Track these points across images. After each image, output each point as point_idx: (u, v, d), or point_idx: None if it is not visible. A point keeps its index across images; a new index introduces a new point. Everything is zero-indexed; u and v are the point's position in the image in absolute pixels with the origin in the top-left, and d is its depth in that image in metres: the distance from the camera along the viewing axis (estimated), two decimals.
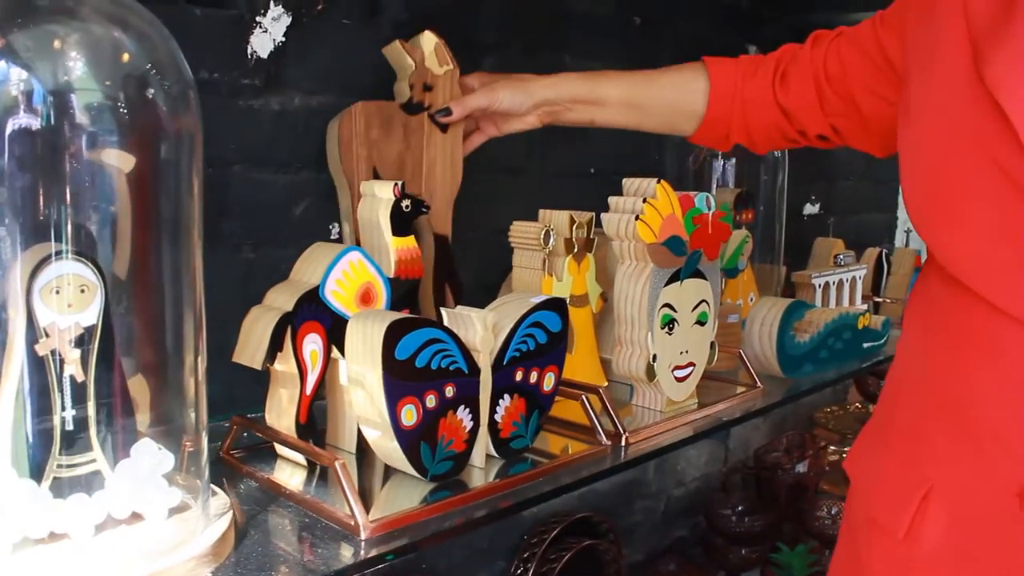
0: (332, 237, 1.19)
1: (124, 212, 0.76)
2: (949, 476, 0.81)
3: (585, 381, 1.17)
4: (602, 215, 1.14)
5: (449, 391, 0.90)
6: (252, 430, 0.97)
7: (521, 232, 1.17)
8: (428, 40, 1.16)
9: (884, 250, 2.00)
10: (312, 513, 0.86)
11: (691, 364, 1.20)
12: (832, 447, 2.22)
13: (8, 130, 0.68)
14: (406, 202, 1.00)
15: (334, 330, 0.93)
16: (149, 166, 0.75)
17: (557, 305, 1.00)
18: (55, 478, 0.73)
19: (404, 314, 0.89)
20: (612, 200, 1.13)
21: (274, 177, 1.13)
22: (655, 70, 1.18)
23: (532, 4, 1.41)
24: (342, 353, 0.91)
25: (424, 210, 1.03)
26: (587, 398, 1.06)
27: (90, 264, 0.72)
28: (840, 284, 1.75)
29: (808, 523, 1.98)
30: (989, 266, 0.76)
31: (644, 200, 1.10)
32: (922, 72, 0.84)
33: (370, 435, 0.90)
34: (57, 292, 0.70)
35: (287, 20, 1.10)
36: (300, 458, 0.96)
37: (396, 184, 0.99)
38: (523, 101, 1.16)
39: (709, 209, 1.18)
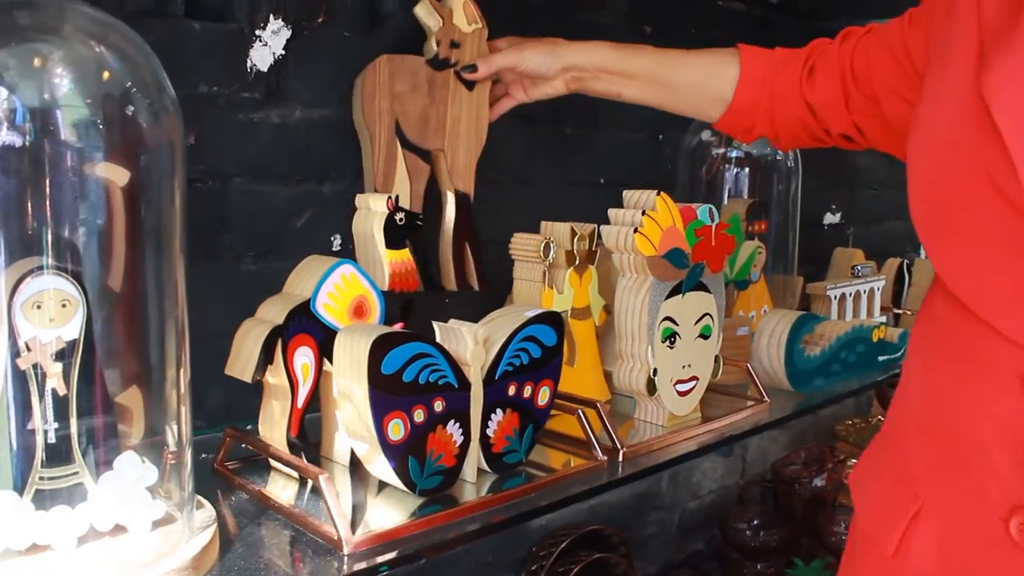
0: (334, 249, 1.19)
1: (109, 226, 0.76)
2: (939, 496, 0.79)
3: (584, 395, 1.16)
4: (601, 227, 1.13)
5: (438, 405, 0.90)
6: (243, 443, 0.97)
7: (521, 244, 1.17)
8: None
9: (905, 260, 1.97)
10: (299, 527, 0.86)
11: (694, 378, 1.18)
12: (852, 460, 2.19)
13: None
14: (400, 215, 1.00)
15: (326, 343, 0.93)
16: (131, 181, 0.76)
17: (552, 319, 0.99)
18: (38, 490, 0.73)
19: (392, 328, 0.88)
20: (612, 212, 1.13)
21: (275, 189, 1.13)
22: (688, 50, 1.17)
23: (539, 15, 1.41)
24: None
25: (419, 223, 1.03)
26: (583, 412, 1.05)
27: (72, 279, 0.72)
28: (857, 295, 1.73)
29: (825, 538, 1.95)
30: (985, 284, 0.75)
31: (643, 212, 1.09)
32: (934, 77, 0.82)
33: (359, 449, 0.90)
34: (38, 307, 0.71)
35: (287, 33, 1.10)
36: (292, 471, 0.96)
37: (390, 197, 0.99)
38: (551, 64, 1.15)
39: (712, 221, 1.17)
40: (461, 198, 1.20)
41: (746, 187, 1.67)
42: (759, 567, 1.93)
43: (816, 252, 2.00)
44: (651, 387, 1.13)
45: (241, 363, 0.91)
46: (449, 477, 0.93)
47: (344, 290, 0.95)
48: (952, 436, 0.79)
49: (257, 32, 1.08)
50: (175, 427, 0.82)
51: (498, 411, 0.96)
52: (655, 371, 1.13)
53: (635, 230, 1.08)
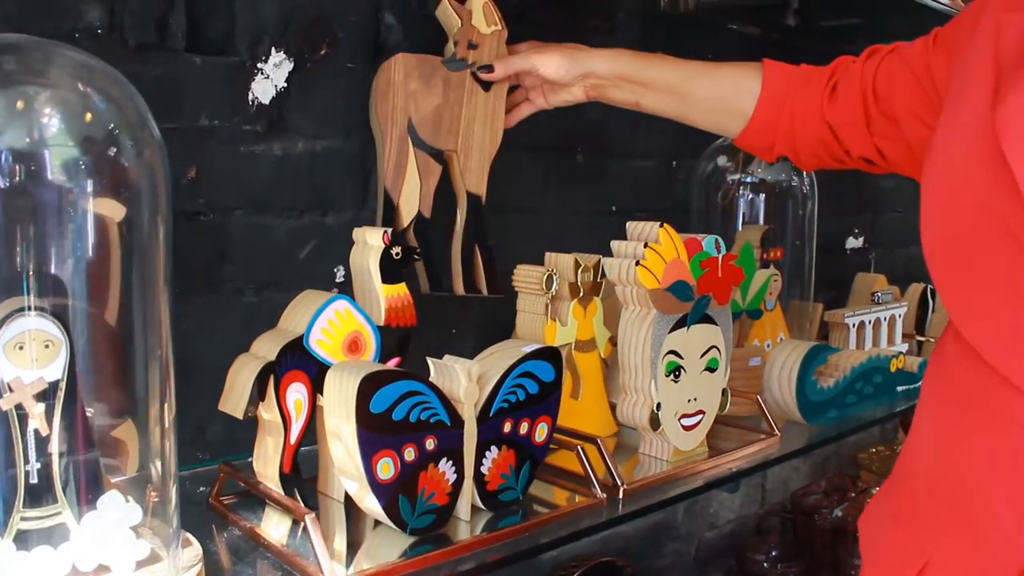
0: (337, 280, 1.19)
1: (92, 264, 0.76)
2: (945, 552, 0.77)
3: (589, 428, 1.15)
4: (604, 260, 1.12)
5: (430, 444, 0.89)
6: (236, 479, 0.97)
7: (524, 276, 1.16)
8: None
9: (929, 286, 1.93)
10: (288, 566, 0.85)
11: (700, 412, 1.16)
12: (875, 489, 2.15)
13: None
14: (396, 249, 0.99)
15: (320, 378, 0.93)
16: (114, 220, 0.76)
17: (550, 354, 0.98)
18: (19, 531, 0.73)
19: (382, 366, 0.88)
20: (615, 244, 1.11)
21: (277, 221, 1.13)
22: (712, 62, 1.14)
23: (549, 38, 1.40)
24: None
25: (416, 257, 1.02)
26: (583, 448, 1.03)
27: (55, 320, 0.72)
28: (877, 323, 1.70)
29: (845, 571, 1.91)
30: (993, 329, 0.72)
31: (646, 244, 1.07)
32: (951, 105, 0.79)
33: (349, 488, 0.89)
34: (21, 348, 0.71)
35: (289, 66, 1.10)
36: (287, 499, 0.95)
37: (386, 231, 0.98)
38: (569, 69, 1.13)
39: (719, 252, 1.15)
40: (473, 200, 1.19)
41: (762, 213, 1.65)
42: None
43: (838, 277, 1.97)
44: (654, 422, 1.11)
45: (233, 399, 0.91)
46: (442, 516, 0.91)
47: (338, 326, 0.94)
48: (959, 489, 0.76)
49: (259, 65, 1.08)
50: (159, 464, 0.81)
51: (493, 448, 0.95)
52: (658, 405, 1.11)
53: (637, 263, 1.06)
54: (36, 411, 0.72)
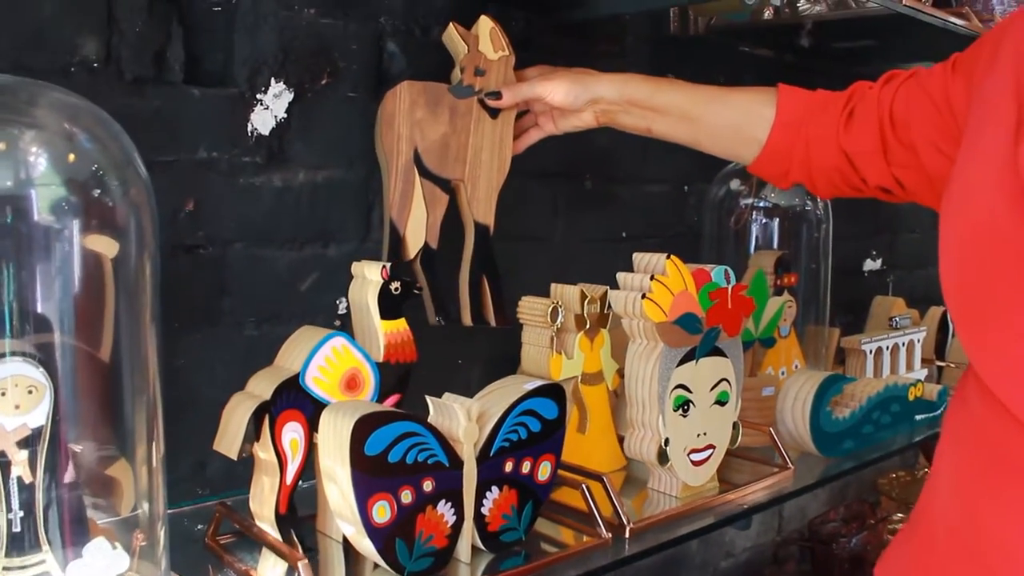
0: (340, 312, 1.17)
1: (81, 303, 0.75)
2: None
3: (596, 463, 1.13)
4: (610, 292, 1.09)
5: (427, 486, 0.86)
6: (230, 520, 0.95)
7: (529, 308, 1.14)
8: (484, 24, 1.14)
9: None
10: None
11: (710, 447, 1.14)
12: (897, 516, 2.11)
13: None
14: (395, 284, 0.97)
15: (317, 417, 0.90)
16: (100, 261, 0.74)
17: (552, 391, 0.96)
18: None
19: (378, 406, 0.86)
20: (620, 276, 1.09)
21: (277, 254, 1.11)
22: (725, 87, 1.12)
23: (557, 62, 1.38)
24: None
25: (416, 292, 1.00)
26: (587, 487, 1.01)
27: (38, 364, 0.71)
28: (895, 349, 1.66)
29: None
30: (1014, 372, 0.69)
31: (652, 277, 1.05)
32: (971, 139, 0.76)
33: (346, 530, 0.87)
34: (3, 394, 0.69)
35: (289, 96, 1.09)
36: (283, 543, 0.93)
37: (384, 266, 0.96)
38: (579, 95, 1.10)
39: (728, 283, 1.12)
40: (480, 230, 1.16)
41: (776, 237, 1.62)
42: None
43: (855, 301, 1.94)
44: (663, 457, 1.08)
45: (228, 440, 0.89)
46: (441, 558, 0.89)
47: (336, 363, 0.92)
48: (980, 541, 0.73)
49: (258, 96, 1.07)
50: (146, 506, 0.80)
51: (494, 488, 0.92)
52: (667, 441, 1.08)
53: (643, 296, 1.04)
54: (19, 458, 0.71)
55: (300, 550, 0.89)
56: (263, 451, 0.91)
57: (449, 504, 0.89)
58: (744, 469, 1.24)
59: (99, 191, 0.72)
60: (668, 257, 1.06)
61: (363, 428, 0.81)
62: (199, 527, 1.01)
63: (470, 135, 1.15)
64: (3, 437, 0.70)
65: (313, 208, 1.13)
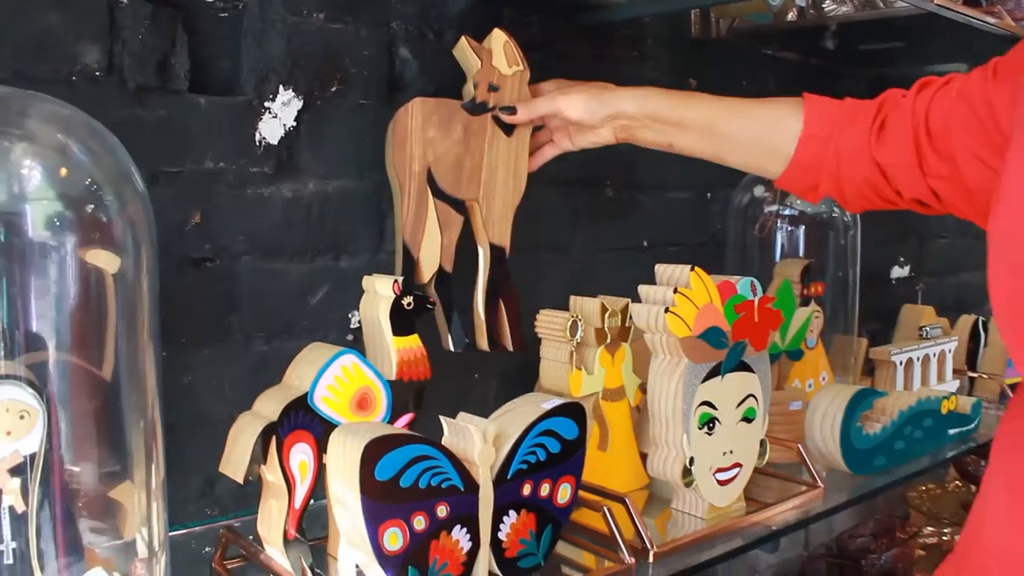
0: (352, 326, 1.14)
1: (76, 321, 0.72)
2: None
3: (618, 482, 1.09)
4: (632, 306, 1.05)
5: (441, 511, 0.82)
6: (238, 546, 0.91)
7: (547, 322, 1.10)
8: (497, 38, 1.10)
9: (981, 317, 1.84)
10: None
11: (736, 465, 1.09)
12: (928, 529, 2.05)
13: None
14: (408, 299, 0.93)
15: (326, 438, 0.87)
16: (92, 277, 0.71)
17: (572, 411, 0.91)
18: None
19: (390, 428, 0.82)
20: (642, 289, 1.05)
21: (287, 266, 1.08)
22: (748, 100, 1.06)
23: (574, 71, 1.34)
24: None
25: (429, 307, 0.96)
26: (609, 508, 0.97)
27: (31, 388, 0.67)
28: (926, 360, 1.61)
29: None
30: None
31: (675, 290, 1.01)
32: (1021, 148, 0.72)
33: (357, 558, 0.83)
34: None
35: (298, 104, 1.05)
36: (290, 572, 0.90)
37: (396, 280, 0.93)
38: (596, 110, 1.06)
39: (755, 295, 1.08)
40: (496, 252, 1.12)
41: (801, 245, 1.57)
42: None
43: (883, 309, 1.89)
44: (687, 477, 1.04)
45: (234, 462, 0.85)
46: None
47: (346, 382, 0.89)
48: None
49: (266, 104, 1.03)
50: (145, 532, 0.76)
51: (511, 513, 0.88)
52: (691, 460, 1.04)
53: (666, 309, 1.00)
54: (11, 487, 0.67)
55: None
56: (271, 474, 0.87)
57: (464, 530, 0.85)
58: (771, 486, 1.20)
59: (93, 205, 0.69)
60: (692, 268, 1.02)
61: (373, 452, 0.77)
62: (207, 549, 0.98)
63: (484, 153, 1.11)
64: None
65: (324, 219, 1.10)
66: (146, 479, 0.79)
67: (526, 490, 0.89)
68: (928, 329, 1.66)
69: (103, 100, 0.93)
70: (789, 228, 1.56)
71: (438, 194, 1.08)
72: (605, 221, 1.42)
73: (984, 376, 1.77)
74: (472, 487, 0.84)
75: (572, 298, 1.12)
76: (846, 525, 1.99)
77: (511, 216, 1.14)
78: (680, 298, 1.00)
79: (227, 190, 1.02)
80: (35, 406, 0.67)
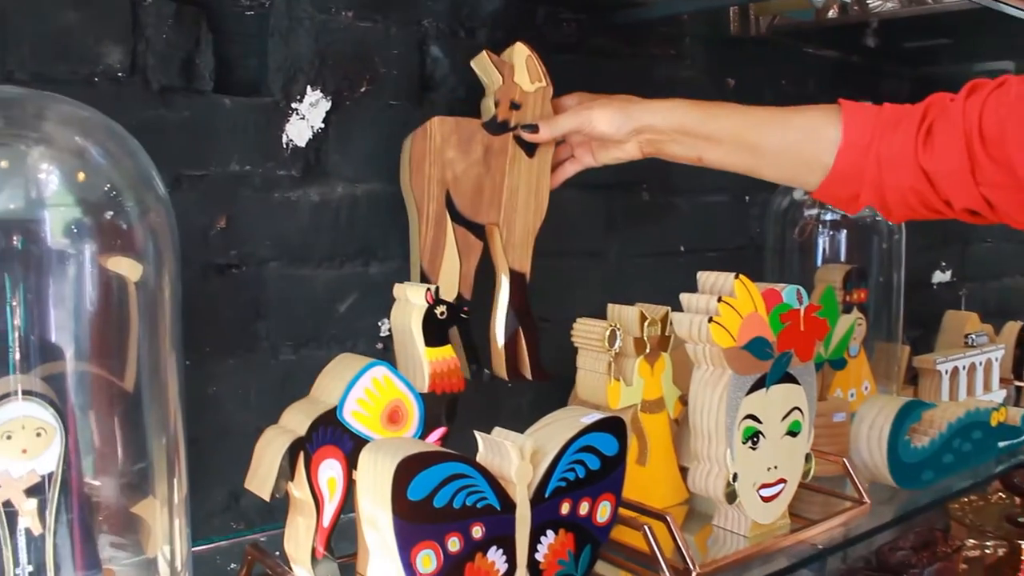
0: (382, 334, 1.10)
1: (97, 331, 0.69)
2: None
3: (657, 497, 1.05)
4: (673, 315, 1.01)
5: (477, 531, 0.79)
6: (262, 564, 0.88)
7: (584, 331, 1.06)
8: (520, 52, 1.05)
9: None
10: None
11: (781, 481, 1.05)
12: (971, 541, 1.99)
13: None
14: (441, 308, 0.89)
15: (356, 453, 0.83)
16: (112, 285, 0.68)
17: (612, 425, 0.87)
18: None
19: (423, 445, 0.78)
20: (684, 298, 1.00)
21: (315, 273, 1.05)
22: (781, 109, 1.02)
23: (610, 70, 1.30)
24: None
25: (463, 316, 0.93)
26: (649, 527, 0.92)
27: (48, 404, 0.64)
28: (972, 368, 1.56)
29: None
30: None
31: (719, 299, 0.96)
32: None
33: None
34: (9, 438, 0.63)
35: (326, 105, 1.02)
36: None
37: (428, 289, 0.89)
38: (621, 124, 1.02)
39: (801, 304, 1.03)
40: (516, 278, 1.08)
41: (843, 250, 1.52)
42: None
43: (925, 314, 1.83)
44: (731, 494, 0.99)
45: (260, 479, 0.82)
46: None
47: (376, 395, 0.85)
48: None
49: (293, 105, 1.00)
50: (167, 550, 0.73)
51: (549, 532, 0.84)
52: (735, 476, 0.99)
53: (710, 319, 0.95)
54: (27, 508, 0.64)
55: None
56: (298, 490, 0.84)
57: (500, 551, 0.81)
58: (814, 501, 1.15)
59: (113, 211, 0.66)
60: (736, 276, 0.98)
61: (406, 470, 0.73)
62: (232, 566, 0.95)
63: (505, 175, 1.06)
64: (9, 485, 0.63)
65: (353, 224, 1.06)
66: (168, 494, 0.76)
67: (564, 509, 0.85)
68: (974, 337, 1.60)
69: (126, 101, 0.90)
70: (830, 232, 1.51)
71: (457, 218, 1.04)
72: (641, 225, 1.38)
73: None
74: (508, 506, 0.81)
75: (610, 306, 1.08)
76: (885, 538, 1.94)
77: (532, 241, 1.10)
78: (724, 307, 0.96)
79: (253, 194, 0.99)
80: (52, 423, 0.64)
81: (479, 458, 0.82)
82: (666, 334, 1.07)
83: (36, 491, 0.64)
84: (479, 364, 1.04)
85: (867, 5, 1.38)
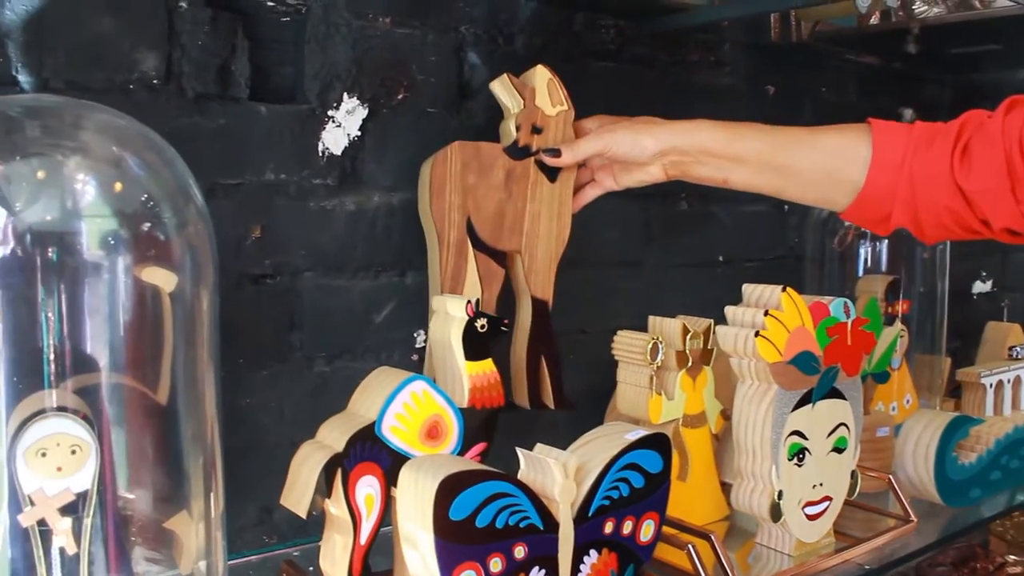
0: (417, 346, 1.08)
1: (133, 343, 0.67)
2: None
3: (697, 513, 1.02)
4: (717, 328, 0.98)
5: (519, 552, 0.76)
6: None
7: (626, 344, 1.03)
8: (541, 75, 1.03)
9: None
10: None
11: (826, 499, 1.02)
12: (1012, 557, 1.95)
13: None
14: (481, 321, 0.87)
15: (394, 470, 0.81)
16: (152, 294, 0.66)
17: (657, 442, 0.85)
18: None
19: (465, 463, 0.76)
20: (729, 311, 0.98)
21: (350, 283, 1.03)
22: (809, 128, 0.99)
23: (648, 77, 1.28)
24: None
25: (504, 329, 0.90)
26: (693, 546, 0.90)
27: (83, 421, 0.62)
28: (1017, 381, 1.52)
29: None
30: None
31: (766, 312, 0.94)
32: None
33: None
34: (43, 455, 0.61)
35: (363, 112, 1.00)
36: None
37: (469, 301, 0.87)
38: (645, 147, 1.00)
39: (848, 317, 1.01)
40: (538, 306, 1.06)
41: (884, 260, 1.49)
42: None
43: (965, 325, 1.79)
44: (775, 512, 0.97)
45: (296, 495, 0.80)
46: None
47: (415, 410, 0.83)
48: None
49: (329, 112, 0.98)
50: (203, 566, 0.71)
51: (592, 552, 0.82)
52: (780, 493, 0.97)
53: (756, 333, 0.93)
54: (62, 527, 0.62)
55: None
56: (335, 507, 0.82)
57: (543, 572, 0.78)
58: (856, 518, 1.12)
59: (151, 220, 0.64)
60: (783, 289, 0.95)
61: (448, 489, 0.71)
62: None
63: (527, 201, 1.04)
64: (44, 503, 0.61)
65: (389, 233, 1.04)
66: (204, 509, 0.74)
67: (608, 528, 0.83)
68: (1019, 349, 1.56)
69: (161, 109, 0.89)
70: (870, 242, 1.48)
71: (478, 246, 1.02)
72: (679, 235, 1.36)
73: None
74: (551, 526, 0.78)
75: (651, 319, 1.05)
76: (924, 553, 1.90)
77: (554, 267, 1.08)
78: (771, 320, 0.93)
79: (288, 203, 0.98)
80: (87, 440, 0.63)
81: (521, 476, 0.80)
82: (708, 347, 1.05)
83: (70, 509, 0.63)
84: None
85: (912, 10, 1.34)
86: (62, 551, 0.63)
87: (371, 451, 0.81)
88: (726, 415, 1.08)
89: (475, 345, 0.88)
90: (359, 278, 1.03)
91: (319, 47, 0.98)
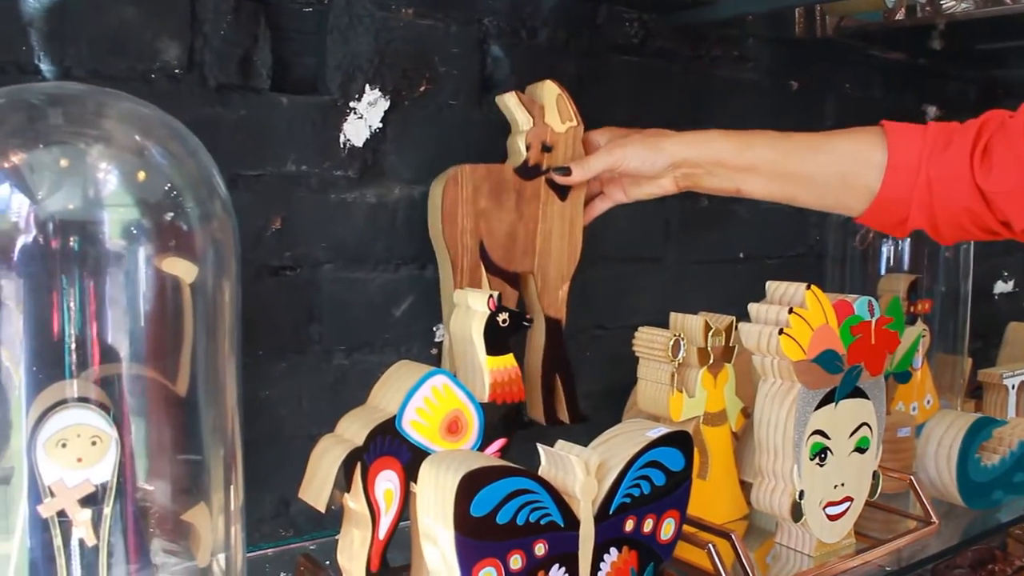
0: (437, 340, 1.08)
1: (154, 334, 0.67)
2: None
3: (717, 511, 1.02)
4: (741, 325, 0.97)
5: (540, 549, 0.76)
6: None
7: (647, 341, 1.02)
8: (549, 91, 1.02)
9: None
10: None
11: (847, 499, 1.01)
12: None
13: (16, 257, 0.59)
14: (503, 316, 0.86)
15: (414, 464, 0.80)
16: (173, 285, 0.66)
17: (679, 440, 0.84)
18: None
19: (486, 459, 0.75)
20: (752, 308, 0.97)
21: (370, 276, 1.02)
22: (820, 134, 0.98)
23: (671, 71, 1.27)
24: None
25: (526, 324, 0.90)
26: (714, 545, 0.89)
27: (103, 412, 0.62)
28: None
29: None
30: None
31: (790, 310, 0.92)
32: None
33: None
34: (64, 445, 0.61)
35: (385, 104, 1.00)
36: None
37: (491, 296, 0.86)
38: (655, 160, 0.99)
39: (872, 316, 0.99)
40: (552, 324, 1.05)
41: (905, 258, 1.47)
42: None
43: (986, 325, 1.78)
44: (796, 512, 0.96)
45: (315, 489, 0.80)
46: None
47: (436, 405, 0.82)
48: None
49: (351, 104, 0.98)
50: (222, 558, 0.71)
51: (612, 550, 0.81)
52: (801, 493, 0.96)
53: (780, 331, 0.92)
54: (81, 518, 0.62)
55: None
56: (354, 502, 0.81)
57: (563, 569, 0.78)
58: (877, 519, 1.11)
59: (174, 211, 0.63)
60: (808, 287, 0.94)
61: (469, 486, 0.70)
62: (281, 574, 0.93)
63: (538, 221, 1.03)
64: (64, 494, 0.61)
65: (410, 226, 1.04)
66: (224, 501, 0.73)
67: (629, 526, 0.82)
68: None
69: (182, 99, 0.88)
70: (891, 240, 1.46)
71: (491, 269, 1.01)
72: (699, 232, 1.35)
73: None
74: (572, 523, 0.77)
75: (673, 315, 1.04)
76: (937, 546, 1.88)
77: (567, 286, 1.07)
78: (795, 318, 0.92)
79: (309, 195, 0.97)
80: (107, 431, 0.62)
81: (541, 472, 0.79)
82: (730, 344, 1.04)
83: (90, 500, 0.62)
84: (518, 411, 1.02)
85: (940, 6, 1.33)
86: (81, 542, 0.62)
87: (391, 445, 0.81)
88: (746, 413, 1.07)
89: (496, 340, 0.87)
90: (379, 271, 1.03)
91: (341, 38, 0.97)
